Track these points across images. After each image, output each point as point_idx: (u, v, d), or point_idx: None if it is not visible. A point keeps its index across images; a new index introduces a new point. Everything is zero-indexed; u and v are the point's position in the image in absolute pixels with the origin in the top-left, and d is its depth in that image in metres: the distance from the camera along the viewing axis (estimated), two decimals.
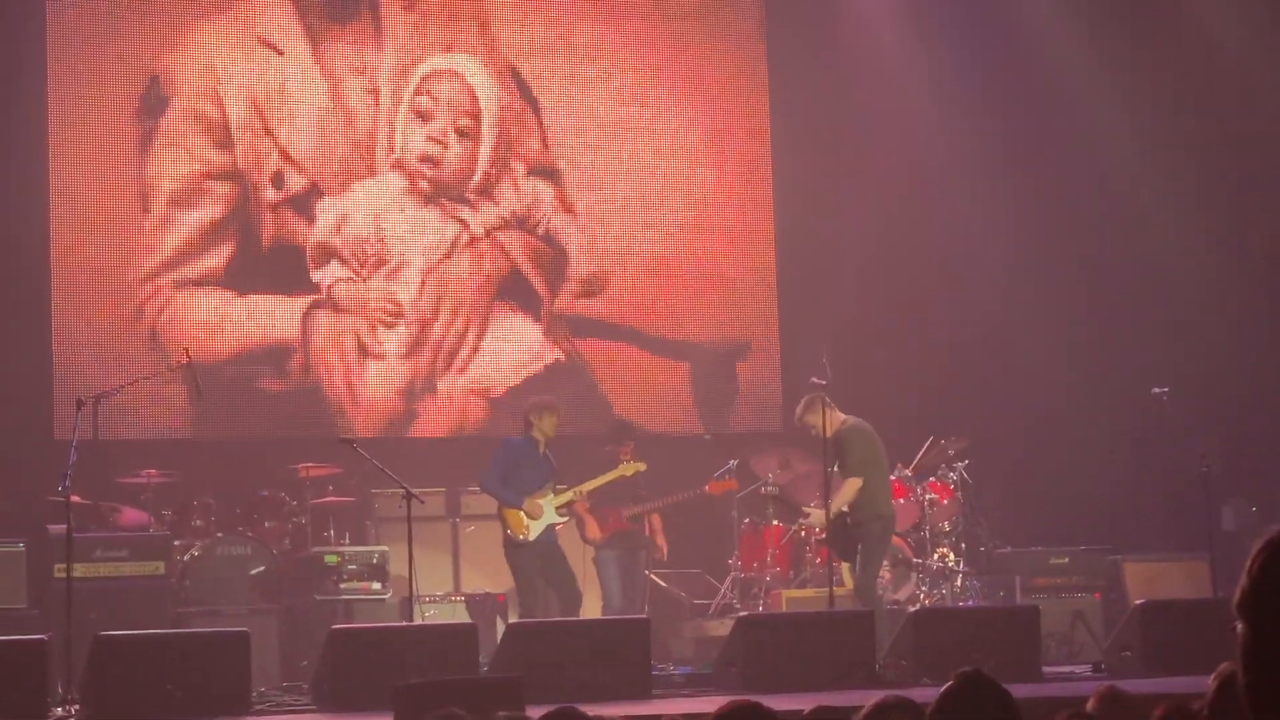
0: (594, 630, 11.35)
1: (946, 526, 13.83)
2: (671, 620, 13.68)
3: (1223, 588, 12.40)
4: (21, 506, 12.79)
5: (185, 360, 12.07)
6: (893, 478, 13.11)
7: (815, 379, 11.81)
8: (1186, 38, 15.17)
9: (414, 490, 11.23)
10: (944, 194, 15.64)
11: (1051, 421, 15.14)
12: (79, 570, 11.25)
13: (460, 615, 12.99)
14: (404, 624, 11.73)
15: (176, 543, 12.62)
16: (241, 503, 13.28)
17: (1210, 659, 4.37)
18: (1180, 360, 14.33)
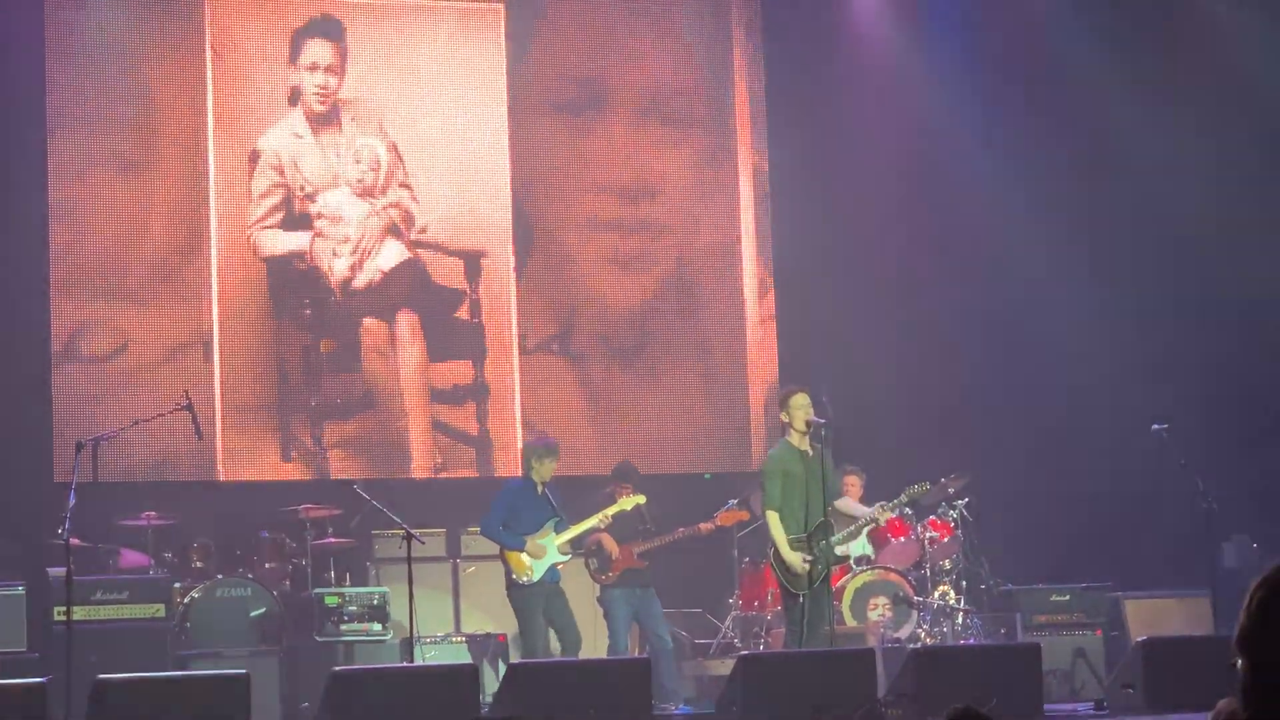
0: (595, 670, 11.28)
1: (947, 564, 13.77)
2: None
3: (1224, 624, 12.36)
4: (21, 549, 12.76)
5: (185, 402, 12.11)
6: (893, 515, 13.08)
7: (816, 418, 11.69)
8: (1206, 57, 15.07)
9: (414, 531, 11.21)
10: (941, 228, 15.66)
11: (1052, 458, 15.10)
12: (79, 613, 11.23)
13: (461, 656, 12.93)
14: (405, 665, 11.70)
15: (177, 585, 12.60)
16: (242, 544, 13.27)
17: (1212, 696, 4.35)
18: (1180, 396, 14.30)
